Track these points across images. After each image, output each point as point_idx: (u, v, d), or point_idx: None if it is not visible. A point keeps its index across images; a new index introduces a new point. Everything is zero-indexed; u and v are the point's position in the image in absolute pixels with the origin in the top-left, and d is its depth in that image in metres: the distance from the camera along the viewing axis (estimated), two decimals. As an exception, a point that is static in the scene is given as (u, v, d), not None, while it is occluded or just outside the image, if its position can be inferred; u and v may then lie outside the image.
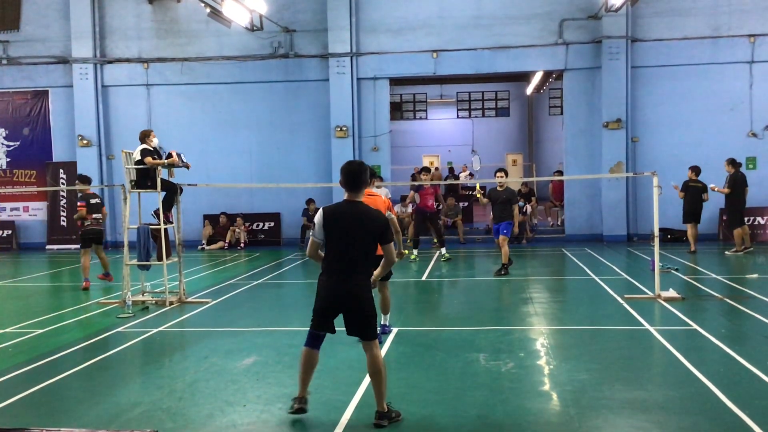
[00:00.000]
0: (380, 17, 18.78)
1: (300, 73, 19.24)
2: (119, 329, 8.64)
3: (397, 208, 16.48)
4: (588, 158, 18.40)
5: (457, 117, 36.12)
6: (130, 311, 9.42)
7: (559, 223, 20.61)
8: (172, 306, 10.04)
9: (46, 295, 12.35)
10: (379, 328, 7.91)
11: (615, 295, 10.09)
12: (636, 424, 5.02)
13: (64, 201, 20.07)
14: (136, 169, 10.19)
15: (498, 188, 12.51)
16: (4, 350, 7.70)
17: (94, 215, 12.28)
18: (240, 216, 19.19)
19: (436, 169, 33.36)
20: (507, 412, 5.34)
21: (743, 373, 6.13)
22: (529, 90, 31.17)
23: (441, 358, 6.92)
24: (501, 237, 12.41)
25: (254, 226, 19.59)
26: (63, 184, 19.77)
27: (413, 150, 34.12)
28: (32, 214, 20.53)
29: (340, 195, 5.38)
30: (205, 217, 19.33)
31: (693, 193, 15.30)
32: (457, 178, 25.91)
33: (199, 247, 18.74)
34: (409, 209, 16.70)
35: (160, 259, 10.40)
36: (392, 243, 5.19)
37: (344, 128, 18.66)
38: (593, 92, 18.35)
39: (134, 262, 10.55)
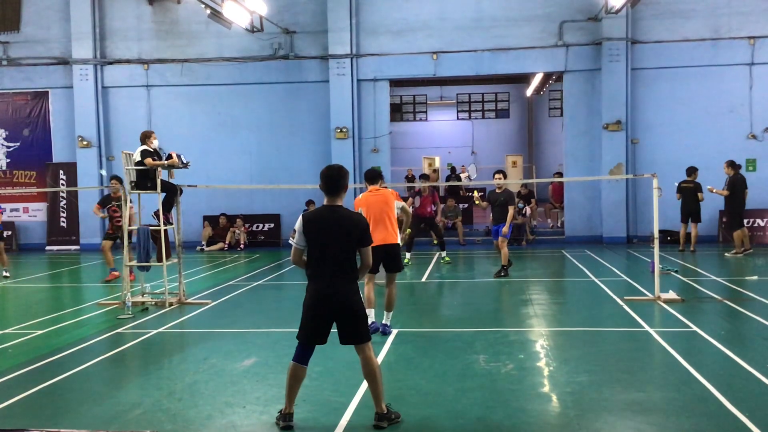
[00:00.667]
0: (380, 19, 18.80)
1: (300, 75, 19.25)
2: (119, 330, 8.64)
3: (398, 211, 16.43)
4: (588, 160, 18.41)
5: (457, 118, 36.12)
6: (130, 312, 9.42)
7: (558, 224, 20.61)
8: (172, 307, 10.04)
9: (46, 296, 12.34)
10: (380, 326, 7.94)
11: (615, 297, 10.09)
12: (636, 425, 5.02)
13: (64, 202, 20.07)
14: (136, 170, 10.19)
15: (496, 190, 12.52)
16: (4, 351, 7.70)
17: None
18: (240, 217, 19.19)
19: (435, 171, 33.38)
20: (506, 413, 5.34)
21: (743, 374, 6.13)
22: (529, 92, 31.19)
23: (440, 359, 6.92)
24: (500, 238, 12.43)
25: (254, 228, 19.59)
26: (63, 185, 19.76)
27: (413, 151, 34.12)
28: (32, 215, 20.53)
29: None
30: (205, 218, 19.34)
31: (685, 193, 15.53)
32: (458, 178, 25.89)
33: (199, 248, 18.74)
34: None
35: (159, 260, 10.39)
36: (369, 247, 5.17)
37: (344, 129, 18.67)
38: (593, 94, 18.36)
39: (134, 263, 10.55)
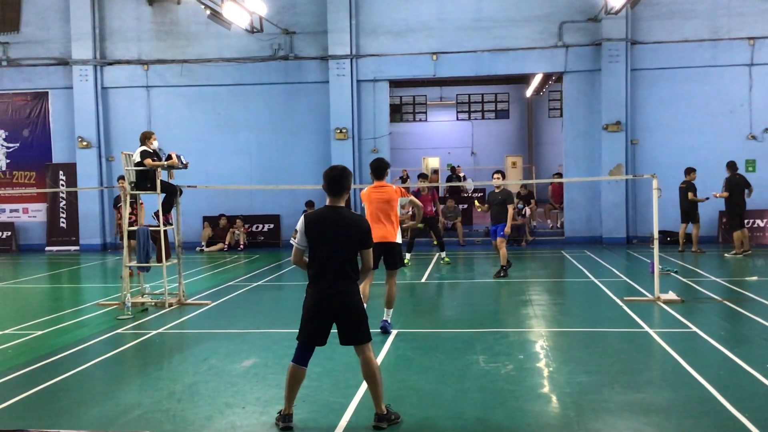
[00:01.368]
0: (380, 19, 18.80)
1: (300, 75, 19.25)
2: (118, 331, 8.64)
3: (408, 207, 16.45)
4: (587, 161, 18.41)
5: (457, 119, 36.11)
6: (130, 313, 9.42)
7: (558, 225, 20.61)
8: (172, 308, 10.03)
9: (45, 297, 12.34)
10: (380, 323, 7.93)
11: (614, 298, 10.09)
12: (635, 426, 5.02)
13: (64, 202, 20.07)
14: (136, 170, 10.19)
15: (495, 190, 12.54)
16: (3, 351, 7.69)
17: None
18: (239, 218, 19.19)
19: (435, 172, 33.37)
20: (506, 414, 5.34)
21: (742, 375, 6.13)
22: (529, 92, 31.19)
23: (440, 360, 6.92)
24: (498, 239, 12.45)
25: (254, 228, 19.59)
26: (62, 185, 19.76)
27: (413, 152, 34.12)
28: (32, 215, 20.52)
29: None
30: (205, 218, 19.34)
31: (680, 193, 15.73)
32: (459, 178, 25.89)
33: (199, 248, 18.73)
34: (408, 213, 16.71)
35: (159, 260, 10.40)
36: (371, 249, 5.18)
37: (344, 130, 18.67)
38: (593, 95, 18.36)
39: (134, 263, 10.55)
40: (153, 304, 10.21)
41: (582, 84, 18.49)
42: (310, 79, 19.20)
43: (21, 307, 10.88)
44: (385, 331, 7.92)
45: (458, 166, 28.18)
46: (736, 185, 15.03)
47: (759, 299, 9.69)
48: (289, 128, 19.47)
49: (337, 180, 5.11)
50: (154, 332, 8.54)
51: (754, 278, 11.82)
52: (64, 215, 20.05)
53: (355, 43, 18.75)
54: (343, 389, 5.93)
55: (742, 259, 14.45)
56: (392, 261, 7.99)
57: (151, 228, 10.50)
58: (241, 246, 18.83)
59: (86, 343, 8.04)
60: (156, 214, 10.46)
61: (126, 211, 10.67)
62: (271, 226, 19.65)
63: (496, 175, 12.50)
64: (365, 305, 7.85)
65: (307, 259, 5.15)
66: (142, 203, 12.12)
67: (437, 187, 23.56)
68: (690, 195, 15.48)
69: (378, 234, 7.41)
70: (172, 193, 10.47)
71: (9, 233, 20.25)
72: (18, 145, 20.30)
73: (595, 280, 11.88)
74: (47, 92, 20.09)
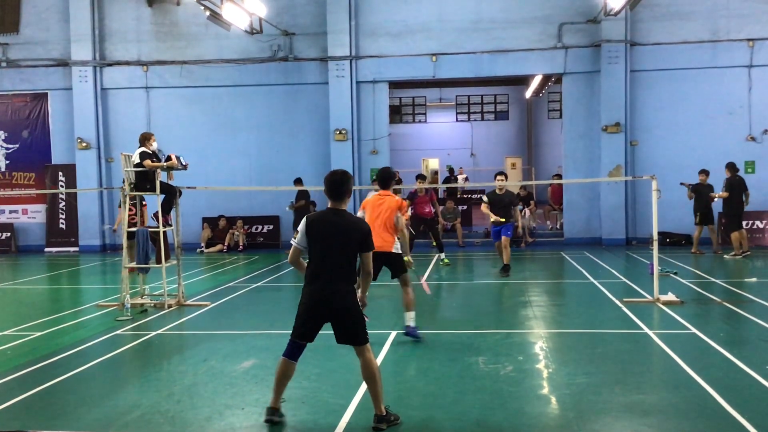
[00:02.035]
0: (380, 21, 18.80)
1: (299, 76, 19.25)
2: (118, 332, 8.63)
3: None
4: (587, 162, 18.41)
5: (456, 120, 36.15)
6: (129, 314, 9.41)
7: (558, 226, 20.60)
8: (171, 309, 10.03)
9: (44, 298, 12.33)
10: (405, 329, 7.85)
11: (614, 299, 10.09)
12: (635, 427, 5.02)
13: (63, 203, 20.06)
14: (136, 171, 10.19)
15: (498, 191, 12.53)
16: (3, 353, 7.69)
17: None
18: (239, 219, 19.19)
19: (435, 173, 33.37)
20: (506, 415, 5.34)
21: (742, 377, 6.13)
22: (528, 93, 31.21)
23: (440, 361, 6.92)
24: (503, 238, 12.45)
25: (253, 229, 19.58)
26: (62, 186, 19.75)
27: (412, 153, 34.14)
28: (31, 216, 20.51)
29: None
30: (204, 219, 19.34)
31: (701, 197, 15.58)
32: (456, 180, 25.91)
33: (198, 250, 18.72)
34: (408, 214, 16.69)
35: (159, 261, 10.39)
36: (370, 253, 5.20)
37: (343, 131, 18.67)
38: (592, 96, 18.37)
39: (133, 264, 10.54)
40: (152, 305, 10.20)
41: (581, 85, 18.50)
42: (309, 80, 19.20)
43: (20, 308, 10.87)
44: (415, 337, 7.71)
45: (460, 168, 28.22)
46: (736, 186, 15.05)
47: (758, 300, 9.69)
48: (288, 129, 19.46)
49: (337, 185, 5.15)
50: (154, 333, 8.54)
51: (754, 279, 11.83)
52: (64, 216, 20.04)
53: (355, 45, 18.76)
54: (343, 390, 5.93)
55: (741, 260, 14.46)
56: (395, 269, 7.93)
57: (150, 229, 10.50)
58: (241, 247, 18.82)
59: (85, 344, 8.03)
60: (155, 215, 10.46)
61: (126, 211, 10.66)
62: (271, 227, 19.65)
63: (499, 177, 12.49)
64: (410, 314, 7.85)
65: (304, 262, 5.22)
66: (145, 204, 12.09)
67: (436, 189, 23.55)
68: (688, 194, 15.45)
69: (375, 243, 7.38)
70: (171, 194, 10.47)
71: (8, 234, 20.23)
72: (17, 146, 20.29)
73: (595, 282, 11.88)
74: (47, 93, 20.08)
